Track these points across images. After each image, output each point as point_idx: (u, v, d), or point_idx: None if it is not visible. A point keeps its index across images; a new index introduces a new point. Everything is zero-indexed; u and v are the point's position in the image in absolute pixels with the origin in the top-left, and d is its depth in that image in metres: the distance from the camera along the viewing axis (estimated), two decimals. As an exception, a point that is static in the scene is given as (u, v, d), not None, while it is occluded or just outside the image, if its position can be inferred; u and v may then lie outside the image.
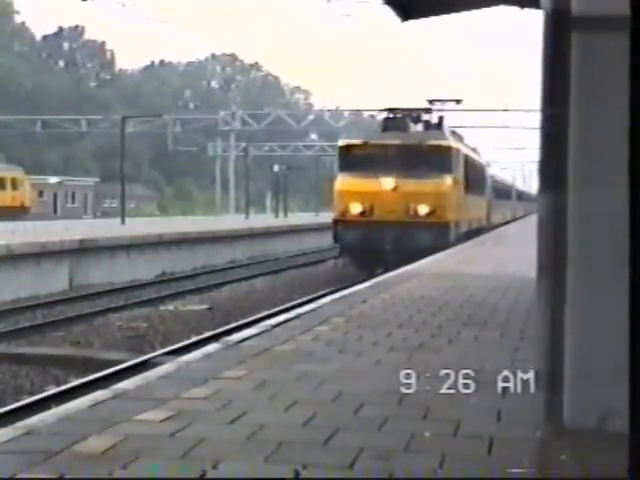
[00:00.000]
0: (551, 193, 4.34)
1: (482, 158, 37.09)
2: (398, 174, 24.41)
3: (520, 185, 78.22)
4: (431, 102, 28.57)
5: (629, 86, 3.54)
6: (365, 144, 25.49)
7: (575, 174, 4.30)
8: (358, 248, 24.67)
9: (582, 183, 4.31)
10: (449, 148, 25.63)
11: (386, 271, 18.68)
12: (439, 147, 25.17)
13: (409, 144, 24.93)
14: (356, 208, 24.64)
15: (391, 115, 26.64)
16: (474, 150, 33.75)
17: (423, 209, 24.36)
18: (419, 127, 26.89)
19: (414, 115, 26.83)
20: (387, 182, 24.45)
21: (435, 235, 23.78)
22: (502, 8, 10.98)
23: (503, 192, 49.99)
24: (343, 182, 25.42)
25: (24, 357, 12.90)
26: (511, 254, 20.52)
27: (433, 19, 11.26)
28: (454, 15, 11.57)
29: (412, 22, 10.77)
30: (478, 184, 32.31)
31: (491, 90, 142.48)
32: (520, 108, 53.07)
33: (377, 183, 24.52)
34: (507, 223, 47.10)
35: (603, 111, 4.25)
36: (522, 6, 10.43)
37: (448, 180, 25.06)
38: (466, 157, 28.36)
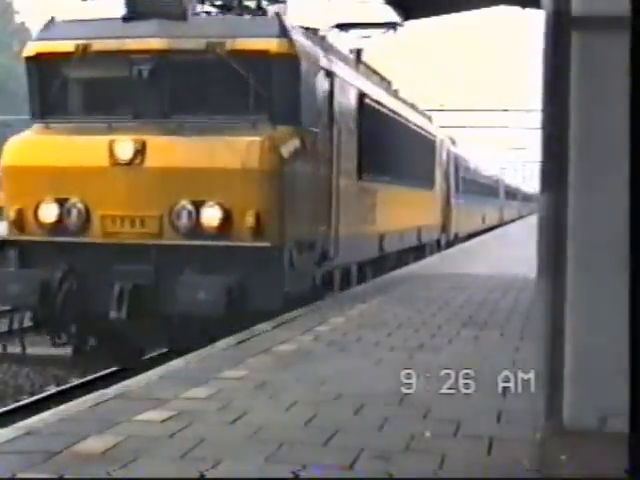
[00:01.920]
0: (551, 193, 4.34)
1: (435, 129, 24.09)
2: (153, 126, 10.51)
3: (512, 179, 69.53)
4: (341, 27, 14.62)
5: (629, 86, 3.54)
6: (81, 50, 10.95)
7: (575, 174, 4.30)
8: (49, 312, 10.58)
9: (582, 183, 4.30)
10: (291, 57, 10.62)
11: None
12: (263, 54, 10.46)
13: (185, 49, 10.61)
14: (48, 211, 10.54)
15: None
16: (413, 107, 20.70)
17: (210, 214, 10.02)
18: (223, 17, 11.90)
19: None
20: (123, 147, 10.30)
21: (243, 279, 9.72)
22: (503, 8, 10.99)
23: (481, 186, 36.04)
24: (23, 147, 11.19)
25: (24, 357, 12.86)
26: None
27: (434, 19, 11.27)
28: (454, 15, 11.59)
29: (412, 22, 10.79)
30: (415, 164, 19.28)
31: (491, 90, 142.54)
32: (520, 108, 53.03)
33: (99, 148, 10.38)
34: (490, 230, 36.85)
35: (603, 111, 4.25)
36: (523, 6, 10.43)
37: (283, 138, 10.47)
38: (362, 96, 13.99)
